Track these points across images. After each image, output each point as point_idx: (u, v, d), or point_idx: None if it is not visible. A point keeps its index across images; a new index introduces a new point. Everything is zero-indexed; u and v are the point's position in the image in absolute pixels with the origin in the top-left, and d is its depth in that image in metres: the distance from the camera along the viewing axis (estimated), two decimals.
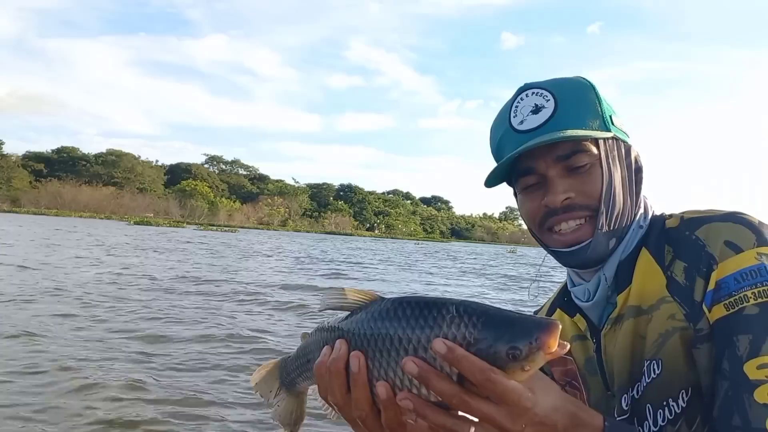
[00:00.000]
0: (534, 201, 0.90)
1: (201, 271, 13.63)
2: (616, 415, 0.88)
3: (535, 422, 0.60)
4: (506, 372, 0.57)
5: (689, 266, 0.81)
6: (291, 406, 0.87)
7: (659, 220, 0.91)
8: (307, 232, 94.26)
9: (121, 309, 7.50)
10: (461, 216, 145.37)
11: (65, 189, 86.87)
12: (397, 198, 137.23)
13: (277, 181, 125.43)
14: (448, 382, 0.59)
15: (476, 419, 0.61)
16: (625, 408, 0.87)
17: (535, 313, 1.09)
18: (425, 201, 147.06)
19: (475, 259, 33.99)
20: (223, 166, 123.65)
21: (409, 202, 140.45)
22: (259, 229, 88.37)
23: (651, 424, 0.83)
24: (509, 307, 0.65)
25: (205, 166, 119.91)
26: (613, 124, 0.89)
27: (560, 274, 0.99)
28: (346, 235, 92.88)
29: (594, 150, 0.86)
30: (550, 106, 0.87)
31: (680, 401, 0.80)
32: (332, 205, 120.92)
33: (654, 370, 0.82)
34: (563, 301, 1.02)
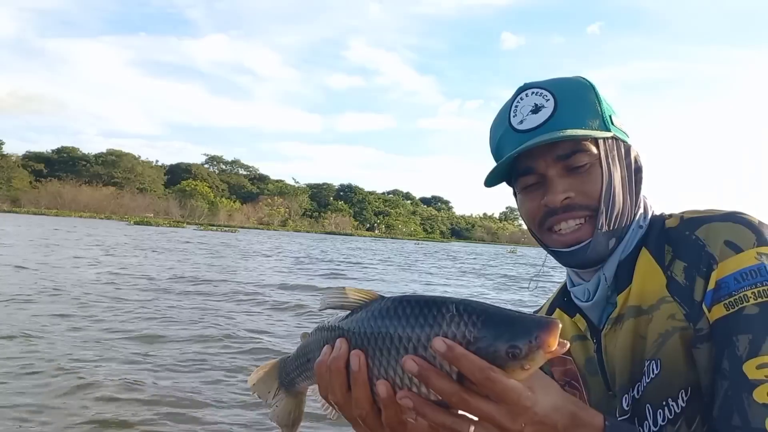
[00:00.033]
0: (534, 201, 0.90)
1: (200, 271, 13.62)
2: (617, 416, 0.88)
3: (535, 421, 0.60)
4: (506, 371, 0.57)
5: (689, 266, 0.81)
6: (289, 406, 0.87)
7: (659, 220, 0.91)
8: (307, 232, 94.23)
9: (118, 309, 7.50)
10: (461, 216, 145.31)
11: (65, 189, 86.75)
12: (397, 198, 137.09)
13: (277, 181, 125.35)
14: (447, 381, 0.59)
15: (476, 418, 0.61)
16: (626, 408, 0.87)
17: (535, 313, 1.09)
18: (425, 201, 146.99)
19: (475, 259, 33.97)
20: (223, 166, 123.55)
21: (409, 202, 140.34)
22: (259, 229, 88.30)
23: (651, 424, 0.83)
24: (509, 307, 0.65)
25: (205, 166, 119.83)
26: (612, 123, 0.89)
27: (560, 274, 0.99)
28: (346, 235, 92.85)
29: (594, 150, 0.86)
30: (549, 106, 0.87)
31: (680, 401, 0.80)
32: (332, 205, 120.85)
33: (653, 370, 0.82)
34: (563, 301, 1.02)
